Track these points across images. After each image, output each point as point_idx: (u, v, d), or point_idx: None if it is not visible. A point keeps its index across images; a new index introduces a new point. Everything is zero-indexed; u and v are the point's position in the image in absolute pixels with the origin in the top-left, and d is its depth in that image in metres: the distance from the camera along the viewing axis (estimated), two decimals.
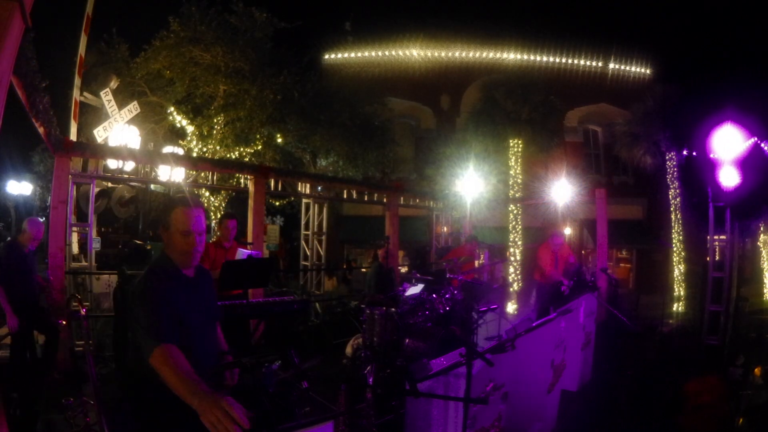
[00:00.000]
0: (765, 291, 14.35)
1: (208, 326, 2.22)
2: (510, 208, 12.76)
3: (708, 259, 6.15)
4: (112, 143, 8.10)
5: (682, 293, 12.44)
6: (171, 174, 7.56)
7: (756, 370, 4.49)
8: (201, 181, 8.21)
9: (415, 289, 5.29)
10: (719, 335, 5.77)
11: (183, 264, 2.14)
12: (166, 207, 2.21)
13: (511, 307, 11.50)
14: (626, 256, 18.55)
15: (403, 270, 13.37)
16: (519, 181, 12.89)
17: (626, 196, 16.74)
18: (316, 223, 10.89)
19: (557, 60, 18.05)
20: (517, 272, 12.34)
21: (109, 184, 7.52)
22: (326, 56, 17.64)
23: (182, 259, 2.12)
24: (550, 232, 7.51)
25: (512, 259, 12.50)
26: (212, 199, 10.88)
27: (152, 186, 10.49)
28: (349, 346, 5.48)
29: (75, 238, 7.16)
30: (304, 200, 10.83)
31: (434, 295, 5.58)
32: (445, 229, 13.42)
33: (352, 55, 17.90)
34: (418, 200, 11.55)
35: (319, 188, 10.36)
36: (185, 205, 2.10)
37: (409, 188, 11.86)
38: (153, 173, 7.44)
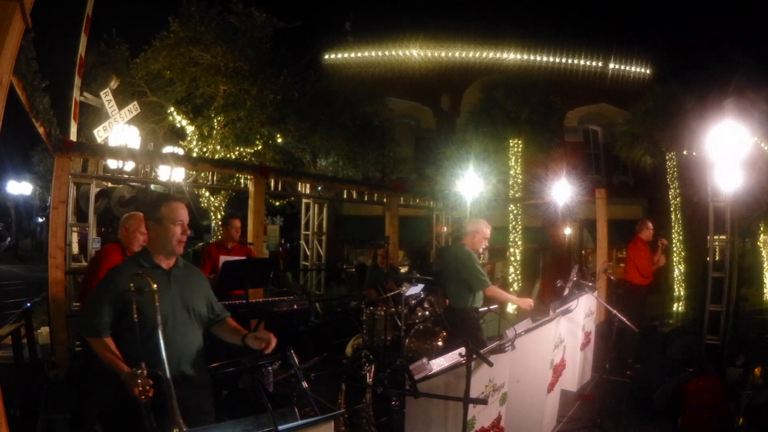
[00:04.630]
0: (765, 291, 14.36)
1: (184, 321, 2.32)
2: (510, 208, 12.75)
3: (708, 259, 6.14)
4: (112, 143, 8.09)
5: (682, 293, 12.44)
6: (171, 174, 7.54)
7: (756, 370, 4.49)
8: (201, 181, 8.20)
9: (415, 289, 5.28)
10: (719, 335, 5.76)
11: (170, 255, 2.33)
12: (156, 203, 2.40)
13: (510, 307, 11.49)
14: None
15: (403, 270, 13.35)
16: (519, 181, 12.88)
17: (626, 196, 16.74)
18: (316, 223, 10.87)
19: (557, 60, 18.06)
20: (517, 272, 12.33)
21: (109, 184, 7.50)
22: (326, 56, 17.64)
23: (173, 249, 2.32)
24: (640, 223, 6.99)
25: (512, 259, 12.49)
26: (212, 199, 10.88)
27: (152, 186, 10.47)
28: (349, 346, 5.49)
29: (75, 238, 7.14)
30: (304, 200, 10.82)
31: (434, 296, 5.57)
32: (445, 229, 13.41)
33: (352, 55, 17.90)
34: (418, 200, 11.54)
35: (319, 188, 10.35)
36: (178, 200, 2.38)
37: (409, 188, 11.84)
38: (153, 173, 7.42)
